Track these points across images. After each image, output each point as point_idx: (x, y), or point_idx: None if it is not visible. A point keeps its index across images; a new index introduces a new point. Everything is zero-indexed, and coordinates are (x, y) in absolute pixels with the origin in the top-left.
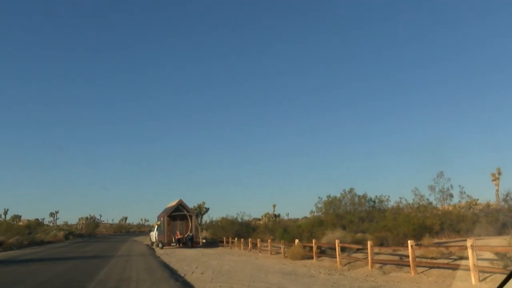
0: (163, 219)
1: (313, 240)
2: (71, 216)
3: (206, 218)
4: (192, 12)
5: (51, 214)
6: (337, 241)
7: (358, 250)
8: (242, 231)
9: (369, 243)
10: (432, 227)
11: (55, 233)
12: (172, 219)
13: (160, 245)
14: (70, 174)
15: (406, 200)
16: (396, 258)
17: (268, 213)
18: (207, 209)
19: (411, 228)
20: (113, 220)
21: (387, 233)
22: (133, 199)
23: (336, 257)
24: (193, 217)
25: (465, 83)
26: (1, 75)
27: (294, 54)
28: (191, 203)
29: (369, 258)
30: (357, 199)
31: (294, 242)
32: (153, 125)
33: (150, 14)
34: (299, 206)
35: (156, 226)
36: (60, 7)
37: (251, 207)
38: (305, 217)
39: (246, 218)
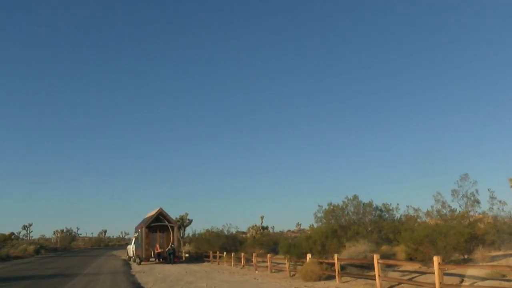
0: (141, 230)
1: (335, 256)
2: (48, 229)
3: (189, 231)
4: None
5: (24, 227)
6: (375, 257)
7: (388, 267)
8: (228, 245)
9: (435, 259)
10: (484, 238)
11: (25, 247)
12: (151, 231)
13: (137, 260)
14: (47, 186)
15: (414, 208)
16: (456, 280)
17: (255, 225)
18: (190, 221)
19: (463, 239)
20: (92, 233)
21: (425, 246)
22: (113, 211)
23: (373, 278)
24: (175, 228)
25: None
26: None
27: (286, 63)
28: (173, 215)
29: (437, 280)
30: (362, 208)
31: (305, 258)
32: (134, 137)
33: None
34: (285, 219)
35: (133, 239)
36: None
37: (236, 219)
38: (290, 230)
39: (233, 230)
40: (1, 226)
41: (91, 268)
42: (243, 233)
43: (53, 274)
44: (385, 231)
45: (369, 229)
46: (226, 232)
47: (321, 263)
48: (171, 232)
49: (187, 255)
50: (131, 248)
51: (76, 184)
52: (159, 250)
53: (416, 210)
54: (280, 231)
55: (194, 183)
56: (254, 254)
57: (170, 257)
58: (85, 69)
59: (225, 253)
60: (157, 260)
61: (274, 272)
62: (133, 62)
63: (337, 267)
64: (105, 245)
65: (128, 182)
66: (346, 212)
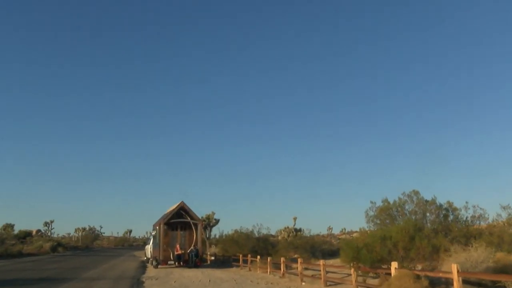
0: (159, 228)
1: (454, 267)
2: (73, 227)
3: (215, 232)
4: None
5: (46, 224)
6: None
7: None
8: (259, 247)
9: None
10: None
11: (41, 245)
12: (170, 229)
13: (154, 262)
14: (73, 186)
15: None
16: None
17: (287, 227)
18: (217, 221)
19: None
20: (118, 233)
21: None
22: (138, 211)
23: None
24: (199, 226)
25: None
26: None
27: (317, 68)
28: (198, 213)
29: None
30: (423, 206)
31: (385, 267)
32: (161, 137)
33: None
34: (314, 223)
35: (151, 238)
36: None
37: (265, 221)
38: (320, 234)
39: (264, 231)
40: (28, 223)
41: (97, 271)
42: (272, 236)
43: (44, 278)
44: (453, 234)
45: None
46: (256, 234)
47: (418, 276)
48: (194, 231)
49: (212, 258)
50: (149, 249)
51: (102, 184)
52: (180, 252)
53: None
54: (317, 233)
55: (221, 182)
56: (300, 260)
57: (193, 260)
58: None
59: (258, 257)
60: (176, 263)
61: (332, 285)
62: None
63: (457, 285)
64: (129, 245)
65: (154, 181)
66: (407, 210)
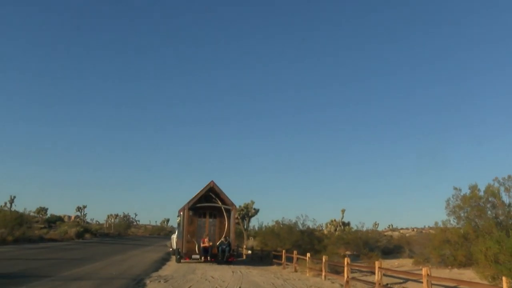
0: (182, 213)
1: None
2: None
3: (254, 223)
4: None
5: (78, 209)
6: None
7: None
8: (304, 242)
9: None
10: None
11: (65, 230)
12: (197, 215)
13: (177, 256)
14: (109, 173)
15: None
16: None
17: (334, 220)
18: (257, 211)
19: None
20: (156, 221)
21: None
22: (178, 200)
23: None
24: (233, 213)
25: None
26: None
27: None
28: (236, 202)
29: None
30: None
31: None
32: (201, 125)
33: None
34: (362, 217)
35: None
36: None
37: (309, 214)
38: (370, 230)
39: (309, 223)
40: (62, 209)
41: (95, 265)
42: (314, 230)
43: (6, 274)
44: None
45: None
46: (300, 226)
47: None
48: (226, 219)
49: (249, 252)
50: (174, 239)
51: (141, 172)
52: (207, 244)
53: None
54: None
55: (262, 171)
56: (377, 263)
57: (224, 254)
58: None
59: (308, 254)
60: (203, 257)
61: None
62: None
63: None
64: (165, 234)
65: (192, 168)
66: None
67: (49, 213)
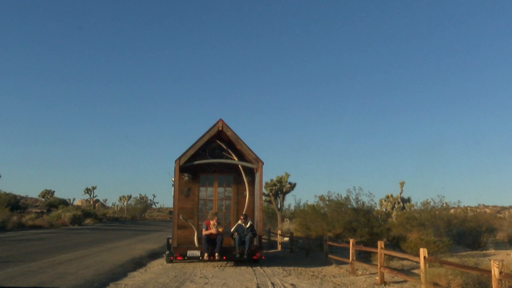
0: (175, 177)
1: None
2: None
3: (290, 201)
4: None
5: (87, 191)
6: None
7: None
8: (359, 224)
9: None
10: None
11: (59, 214)
12: (197, 180)
13: (167, 251)
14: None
15: None
16: None
17: (390, 195)
18: (292, 186)
19: None
20: None
21: None
22: None
23: None
24: (258, 174)
25: None
26: None
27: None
28: (266, 176)
29: None
30: None
31: None
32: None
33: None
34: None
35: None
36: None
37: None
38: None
39: (365, 199)
40: (71, 192)
41: (33, 266)
42: (371, 207)
43: None
44: None
45: None
46: (353, 202)
47: None
48: (246, 186)
49: (285, 239)
50: None
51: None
52: (214, 231)
53: None
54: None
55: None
56: None
57: (242, 247)
58: None
59: (380, 244)
60: (205, 254)
61: None
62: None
63: None
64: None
65: None
66: None
67: (57, 195)
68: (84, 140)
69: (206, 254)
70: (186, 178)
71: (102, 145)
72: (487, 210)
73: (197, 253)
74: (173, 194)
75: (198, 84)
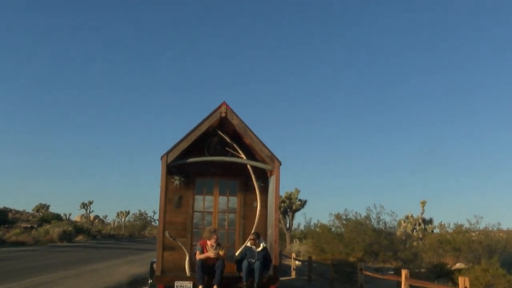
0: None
1: None
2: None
3: (300, 220)
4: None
5: (83, 205)
6: None
7: None
8: (381, 247)
9: None
10: None
11: (47, 230)
12: (192, 184)
13: (149, 279)
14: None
15: None
16: None
17: (410, 215)
18: (303, 203)
19: None
20: None
21: None
22: None
23: None
24: (274, 178)
25: None
26: None
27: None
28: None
29: None
30: None
31: None
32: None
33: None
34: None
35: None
36: None
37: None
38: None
39: (387, 219)
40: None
41: None
42: (393, 228)
43: None
44: None
45: None
46: (374, 222)
47: None
48: (258, 194)
49: (297, 263)
50: None
51: None
52: (212, 253)
53: None
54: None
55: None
56: None
57: (251, 276)
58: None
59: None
60: (200, 286)
61: None
62: None
63: None
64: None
65: None
66: None
67: (52, 210)
68: (85, 153)
69: (200, 287)
70: (177, 182)
71: (103, 158)
72: None
73: (188, 284)
74: (159, 203)
75: (204, 93)
